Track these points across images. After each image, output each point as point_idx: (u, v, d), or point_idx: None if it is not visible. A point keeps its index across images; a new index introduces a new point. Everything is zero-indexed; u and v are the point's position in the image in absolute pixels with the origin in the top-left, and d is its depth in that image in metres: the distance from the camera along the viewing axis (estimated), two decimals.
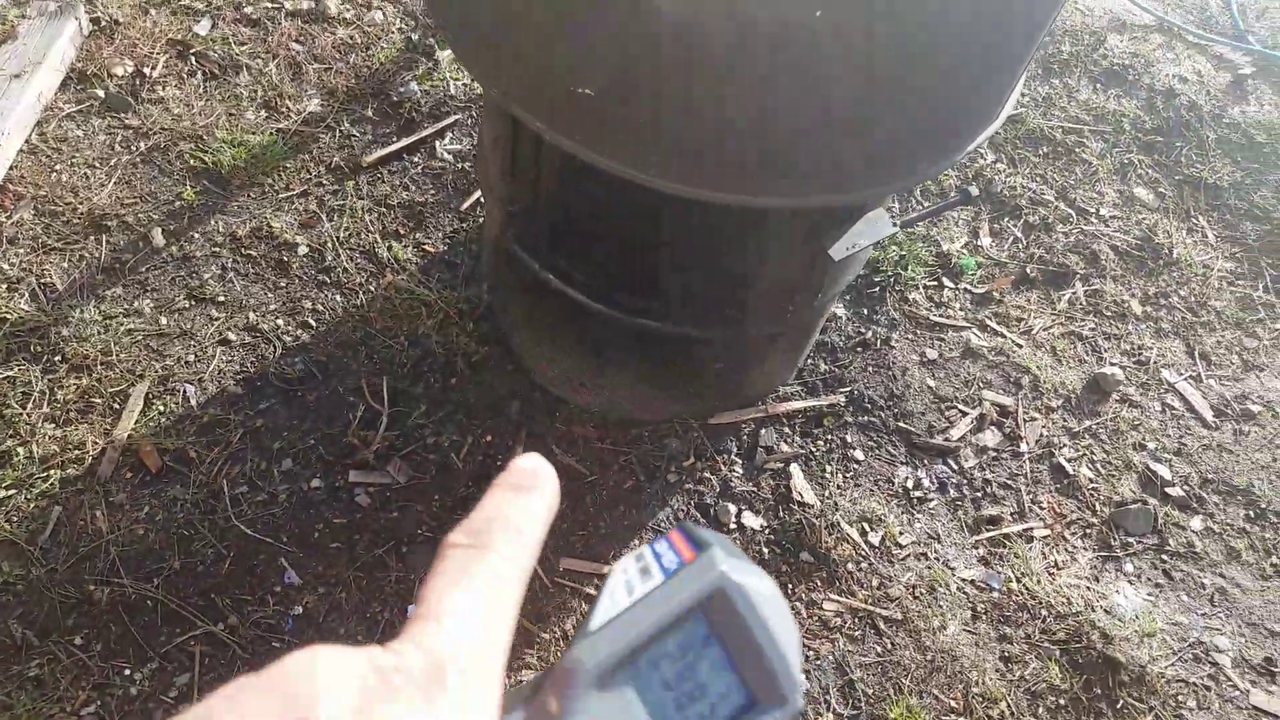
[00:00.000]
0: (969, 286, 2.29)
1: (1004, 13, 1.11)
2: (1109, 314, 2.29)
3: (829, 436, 2.00)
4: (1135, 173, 2.58)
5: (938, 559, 1.85)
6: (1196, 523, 1.96)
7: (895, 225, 1.54)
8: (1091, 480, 1.99)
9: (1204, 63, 2.87)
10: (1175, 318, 2.31)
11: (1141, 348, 2.24)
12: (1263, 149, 2.67)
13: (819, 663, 1.73)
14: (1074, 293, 2.32)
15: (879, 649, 1.76)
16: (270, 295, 2.07)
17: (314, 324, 2.04)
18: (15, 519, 1.72)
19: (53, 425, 1.83)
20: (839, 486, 1.92)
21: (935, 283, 2.29)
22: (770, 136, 1.16)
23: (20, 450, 1.79)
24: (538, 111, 1.23)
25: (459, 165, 2.38)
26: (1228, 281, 2.40)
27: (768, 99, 1.10)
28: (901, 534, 1.87)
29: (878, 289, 2.25)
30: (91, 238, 2.10)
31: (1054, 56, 2.77)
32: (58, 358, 1.91)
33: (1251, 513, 1.99)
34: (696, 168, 1.21)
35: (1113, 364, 2.19)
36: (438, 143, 2.42)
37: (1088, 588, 1.85)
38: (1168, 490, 2.00)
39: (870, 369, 2.11)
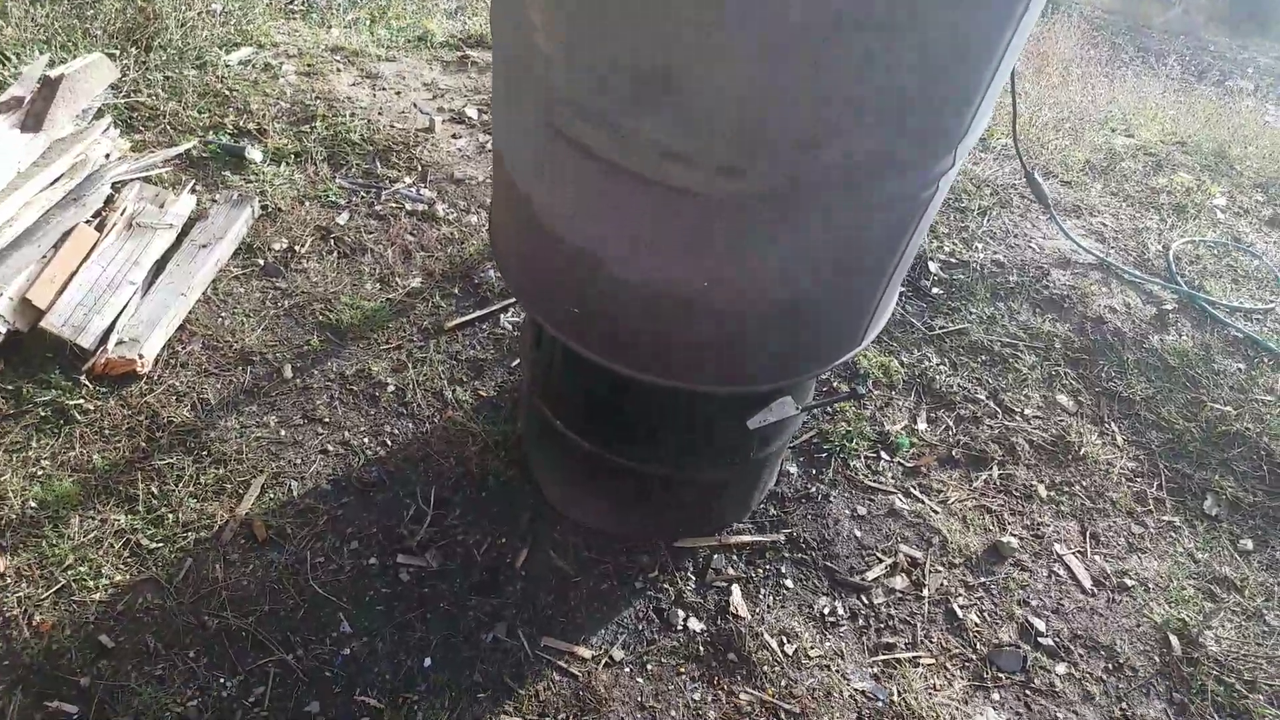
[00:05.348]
0: (902, 461, 2.85)
1: (842, 301, 1.77)
2: (1017, 494, 2.81)
3: (768, 566, 2.54)
4: (1060, 383, 3.15)
5: (838, 671, 2.34)
6: (1061, 668, 2.41)
7: (798, 408, 2.16)
8: (977, 625, 2.47)
9: (1134, 297, 3.47)
10: (1075, 503, 2.82)
11: (1040, 524, 2.74)
12: (1175, 371, 3.21)
13: None
14: (990, 474, 2.85)
15: None
16: (362, 420, 2.78)
17: (389, 444, 2.73)
18: (159, 564, 2.40)
19: (195, 500, 2.53)
20: (769, 606, 2.46)
21: (874, 454, 2.86)
22: (693, 348, 1.81)
23: (170, 516, 2.49)
24: (547, 317, 1.93)
25: (515, 334, 3.11)
26: (1127, 478, 2.90)
27: (685, 326, 1.76)
28: (812, 648, 2.37)
29: (826, 455, 2.83)
30: (240, 368, 2.87)
31: (1002, 284, 3.42)
32: (204, 452, 2.64)
33: (1110, 665, 2.43)
34: (646, 361, 1.87)
35: (1013, 534, 2.69)
36: (503, 316, 3.17)
37: (957, 708, 2.30)
38: (1040, 640, 2.45)
39: (810, 517, 2.67)
